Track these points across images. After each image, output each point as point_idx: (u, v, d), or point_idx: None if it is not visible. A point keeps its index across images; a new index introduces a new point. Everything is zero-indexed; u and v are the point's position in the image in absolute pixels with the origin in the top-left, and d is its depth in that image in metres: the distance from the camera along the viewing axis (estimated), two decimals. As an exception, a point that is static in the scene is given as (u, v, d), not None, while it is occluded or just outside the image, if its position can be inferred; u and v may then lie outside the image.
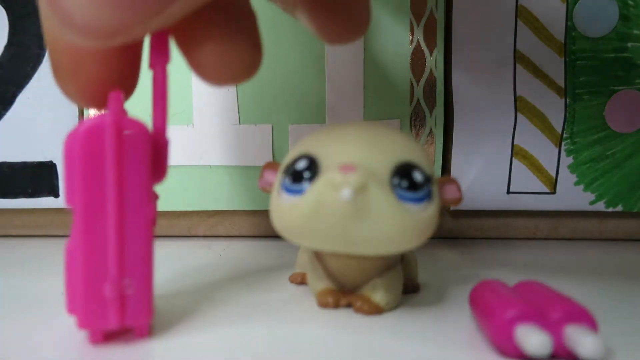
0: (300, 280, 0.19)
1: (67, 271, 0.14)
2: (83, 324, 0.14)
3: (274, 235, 0.27)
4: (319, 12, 0.14)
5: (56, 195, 0.26)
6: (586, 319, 0.13)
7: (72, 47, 0.13)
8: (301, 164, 0.15)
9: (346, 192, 0.13)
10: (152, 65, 0.14)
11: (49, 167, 0.26)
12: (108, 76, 0.13)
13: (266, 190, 0.16)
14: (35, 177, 0.26)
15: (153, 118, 0.14)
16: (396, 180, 0.14)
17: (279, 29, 0.25)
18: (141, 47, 0.15)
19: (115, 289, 0.14)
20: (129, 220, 0.14)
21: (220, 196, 0.26)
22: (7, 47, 0.26)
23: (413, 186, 0.14)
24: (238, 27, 0.14)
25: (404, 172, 0.14)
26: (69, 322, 0.16)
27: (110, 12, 0.10)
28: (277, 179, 0.16)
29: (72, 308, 0.14)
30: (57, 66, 0.13)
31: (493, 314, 0.14)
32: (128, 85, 0.14)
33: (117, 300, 0.14)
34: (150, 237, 0.14)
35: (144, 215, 0.14)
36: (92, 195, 0.13)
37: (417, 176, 0.14)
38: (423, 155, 0.15)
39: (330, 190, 0.14)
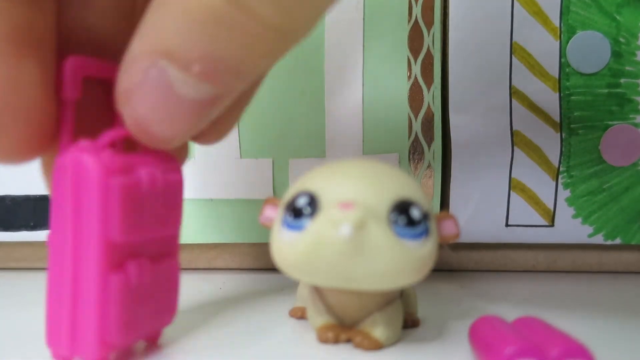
0: (300, 314, 0.19)
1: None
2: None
3: (274, 269, 0.27)
4: None
5: (57, 228, 0.27)
6: (584, 356, 0.13)
7: None
8: (301, 201, 0.15)
9: (345, 229, 0.14)
10: (63, 99, 0.14)
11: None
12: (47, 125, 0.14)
13: (267, 226, 0.17)
14: (37, 210, 0.27)
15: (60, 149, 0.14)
16: (394, 217, 0.15)
17: (279, 64, 0.25)
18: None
19: None
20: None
21: (220, 229, 0.26)
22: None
23: (411, 222, 0.15)
24: None
25: (402, 208, 0.15)
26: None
27: (171, 124, 0.13)
28: (277, 214, 0.16)
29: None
30: None
31: (492, 350, 0.14)
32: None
33: None
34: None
35: None
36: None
37: (415, 213, 0.15)
38: (420, 192, 0.16)
39: (329, 227, 0.14)
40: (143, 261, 0.15)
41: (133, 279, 0.14)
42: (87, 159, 0.13)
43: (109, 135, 0.14)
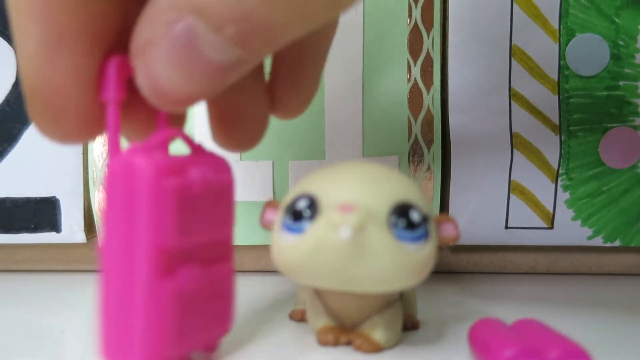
0: (300, 316, 0.19)
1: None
2: None
3: (274, 271, 0.27)
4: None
5: (58, 230, 0.27)
6: (583, 358, 0.13)
7: (53, 90, 0.13)
8: (301, 204, 0.15)
9: (345, 232, 0.14)
10: (104, 100, 0.14)
11: (51, 203, 0.27)
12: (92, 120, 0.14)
13: (267, 228, 0.17)
14: (37, 213, 0.27)
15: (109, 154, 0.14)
16: (394, 220, 0.15)
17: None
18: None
19: None
20: None
21: (220, 231, 0.26)
22: (14, 86, 0.27)
23: (410, 225, 0.15)
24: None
25: (401, 211, 0.15)
26: (70, 358, 0.16)
27: (189, 84, 0.13)
28: (278, 217, 0.16)
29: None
30: (34, 111, 0.13)
31: (492, 352, 0.14)
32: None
33: None
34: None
35: None
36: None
37: (415, 216, 0.15)
38: (420, 195, 0.16)
39: (329, 229, 0.14)
40: (195, 267, 0.14)
41: (185, 286, 0.14)
42: (139, 161, 0.13)
43: (159, 137, 0.14)
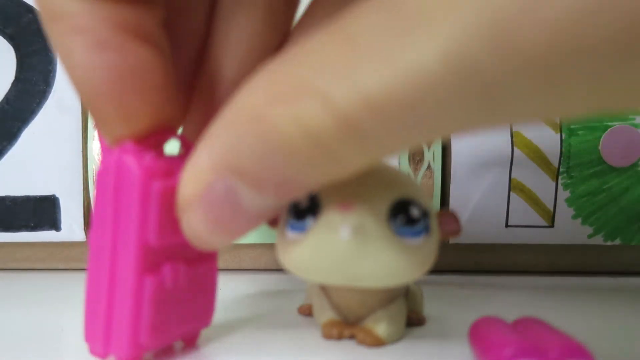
0: (308, 311, 0.20)
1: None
2: None
3: (273, 269, 0.27)
4: None
5: (57, 228, 0.27)
6: (584, 356, 0.13)
7: (119, 93, 0.14)
8: (303, 202, 0.15)
9: (345, 232, 0.14)
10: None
11: (51, 201, 0.27)
12: (159, 117, 0.14)
13: (273, 227, 0.17)
14: (37, 211, 0.27)
15: None
16: (393, 216, 0.15)
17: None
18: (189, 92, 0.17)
19: None
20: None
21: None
22: (14, 83, 0.27)
23: (410, 221, 0.15)
24: None
25: (401, 208, 0.15)
26: (70, 356, 0.16)
27: (227, 235, 0.14)
28: (282, 216, 0.16)
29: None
30: (102, 117, 0.14)
31: (492, 350, 0.14)
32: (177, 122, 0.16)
33: None
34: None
35: None
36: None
37: (414, 211, 0.15)
38: (420, 190, 0.16)
39: (329, 230, 0.14)
40: (179, 264, 0.15)
41: (168, 282, 0.14)
42: (131, 161, 0.13)
43: (154, 138, 0.14)
